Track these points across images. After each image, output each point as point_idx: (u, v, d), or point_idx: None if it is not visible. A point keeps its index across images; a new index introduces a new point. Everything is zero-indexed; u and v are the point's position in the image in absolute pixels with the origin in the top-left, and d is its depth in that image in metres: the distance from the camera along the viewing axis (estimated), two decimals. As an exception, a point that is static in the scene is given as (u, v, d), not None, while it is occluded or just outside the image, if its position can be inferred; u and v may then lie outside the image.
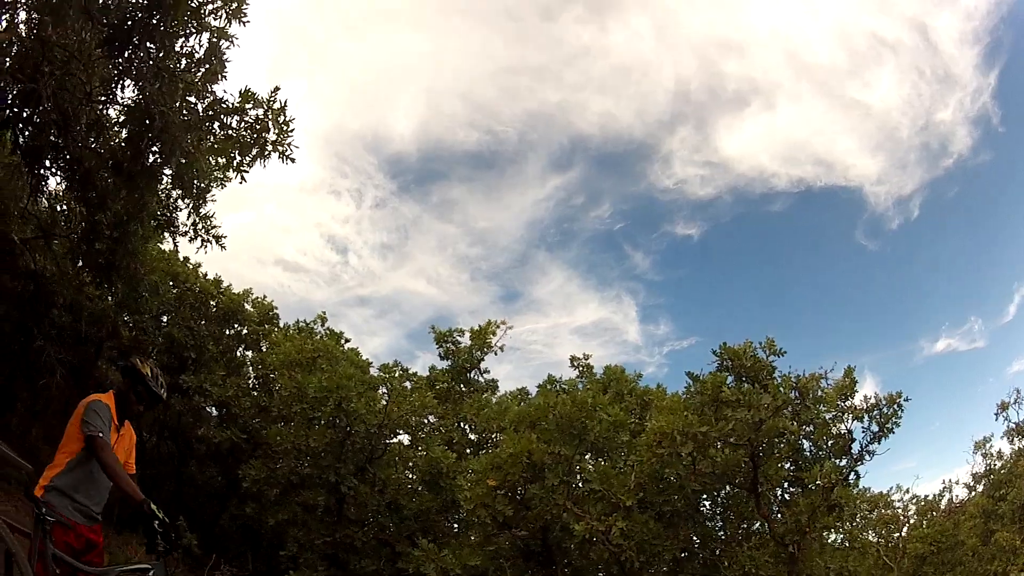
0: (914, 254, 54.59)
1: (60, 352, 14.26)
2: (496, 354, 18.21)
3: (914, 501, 26.31)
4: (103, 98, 12.45)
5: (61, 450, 5.58)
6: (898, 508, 25.99)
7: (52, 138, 12.64)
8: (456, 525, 15.70)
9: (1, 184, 13.97)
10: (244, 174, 13.27)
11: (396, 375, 15.92)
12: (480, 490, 11.90)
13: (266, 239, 53.65)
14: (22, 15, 11.58)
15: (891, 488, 26.00)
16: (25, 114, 12.68)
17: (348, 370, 14.37)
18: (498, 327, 18.13)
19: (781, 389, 11.98)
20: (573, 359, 18.30)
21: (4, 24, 10.98)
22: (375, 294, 62.37)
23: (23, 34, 11.37)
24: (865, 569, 13.23)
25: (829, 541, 13.27)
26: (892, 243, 52.66)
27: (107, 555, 6.52)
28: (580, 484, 12.50)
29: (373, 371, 16.10)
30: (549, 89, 64.03)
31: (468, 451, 16.07)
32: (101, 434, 5.35)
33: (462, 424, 17.02)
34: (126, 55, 11.45)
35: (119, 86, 12.21)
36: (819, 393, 12.20)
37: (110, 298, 15.53)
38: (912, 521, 25.66)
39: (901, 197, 51.79)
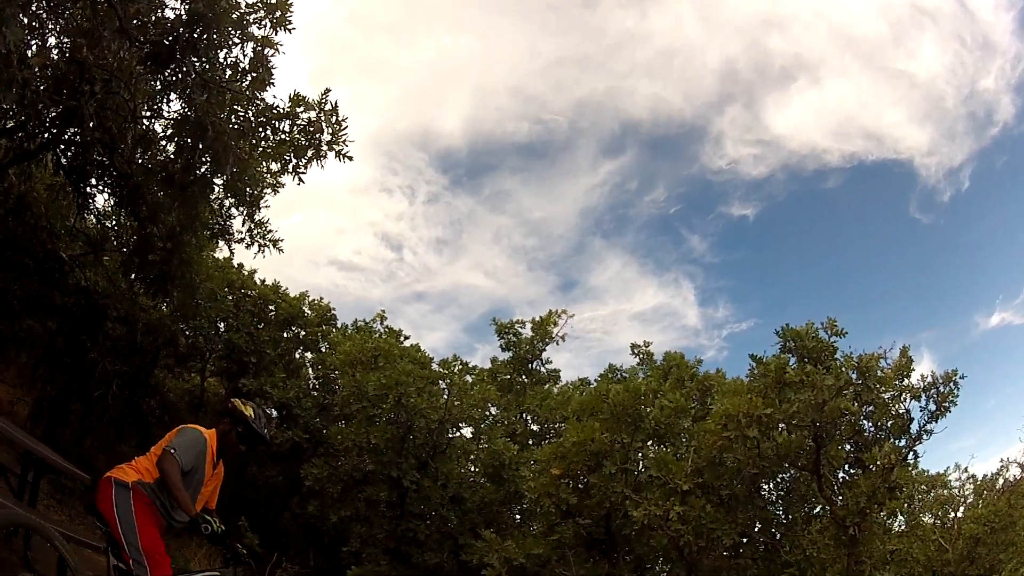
0: (967, 226, 52.58)
1: (115, 363, 14.22)
2: (557, 344, 18.33)
3: (971, 481, 25.88)
4: (148, 113, 12.44)
5: (151, 464, 5.56)
6: (955, 488, 25.56)
7: (97, 156, 12.79)
8: (518, 516, 15.91)
9: (46, 204, 14.12)
10: (301, 176, 13.20)
11: (456, 370, 16.04)
12: (544, 479, 12.06)
13: (320, 241, 54.16)
14: (52, 40, 11.74)
15: (948, 468, 25.58)
16: (67, 135, 12.62)
17: (407, 366, 14.60)
18: (559, 317, 18.31)
19: (843, 370, 11.80)
20: (633, 347, 18.44)
21: (35, 48, 11.09)
22: (432, 289, 61.99)
23: (56, 57, 11.54)
24: (922, 552, 13.06)
25: (888, 524, 12.98)
26: (945, 216, 51.21)
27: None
28: (639, 471, 12.54)
29: (434, 367, 16.24)
30: (596, 77, 63.35)
31: (530, 442, 16.11)
32: (174, 451, 5.41)
33: (524, 415, 17.11)
34: (170, 70, 11.30)
35: (164, 101, 12.17)
36: (879, 373, 11.93)
37: (165, 307, 15.43)
38: (968, 501, 25.23)
39: (951, 168, 50.54)
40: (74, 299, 14.42)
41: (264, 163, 13.42)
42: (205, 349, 17.71)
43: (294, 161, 13.13)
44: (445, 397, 14.95)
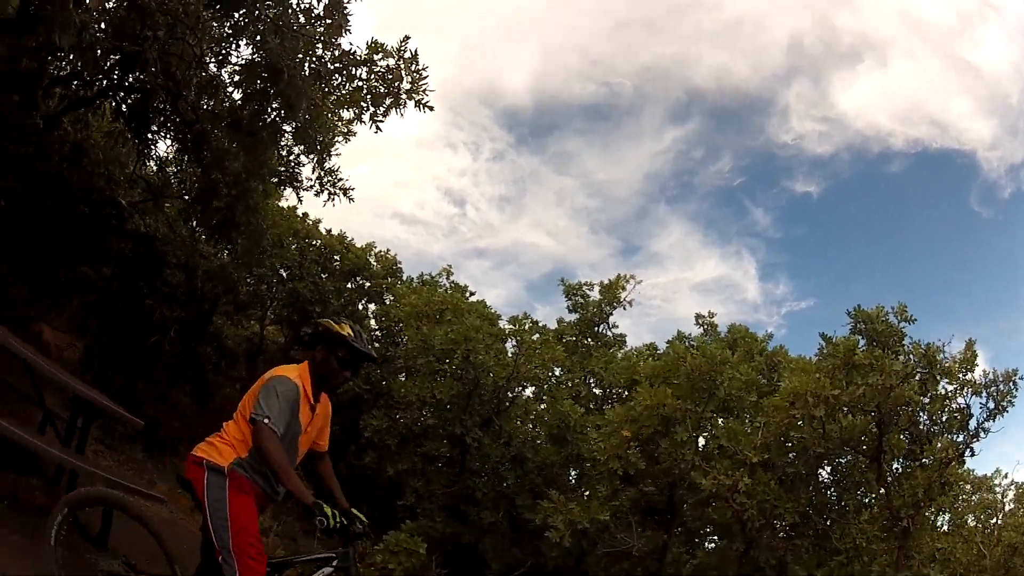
0: None
1: (173, 310, 14.12)
2: (624, 308, 18.08)
3: (1012, 487, 25.37)
4: (214, 59, 12.26)
5: (241, 432, 4.82)
6: (997, 493, 25.12)
7: (159, 103, 12.68)
8: (576, 479, 15.63)
9: (103, 151, 14.06)
10: (379, 124, 12.99)
11: (526, 327, 15.84)
12: (614, 441, 11.86)
13: (383, 193, 54.70)
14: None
15: (993, 472, 25.16)
16: (127, 81, 12.53)
17: (475, 322, 14.50)
18: (627, 281, 17.89)
19: (910, 357, 11.51)
20: (698, 317, 18.16)
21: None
22: (493, 246, 62.26)
23: (115, 3, 11.32)
24: (965, 553, 12.83)
25: (935, 521, 12.77)
26: (1005, 211, 50.18)
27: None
28: (709, 440, 12.50)
29: (502, 323, 16.11)
30: (663, 42, 63.34)
31: (592, 405, 15.72)
32: (267, 419, 4.57)
33: (589, 378, 16.81)
34: (239, 14, 11.08)
35: (233, 46, 11.96)
36: (944, 364, 11.59)
37: (226, 255, 15.30)
38: (1008, 508, 24.78)
39: (1013, 164, 49.55)
40: (131, 245, 14.30)
41: (337, 111, 13.11)
42: (266, 297, 17.73)
43: (371, 109, 12.82)
44: (512, 355, 14.84)
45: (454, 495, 14.51)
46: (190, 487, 4.78)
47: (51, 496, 8.08)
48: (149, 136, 13.49)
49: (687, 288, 53.45)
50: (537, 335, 16.18)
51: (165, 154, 14.54)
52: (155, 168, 14.95)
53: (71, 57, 11.57)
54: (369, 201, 52.28)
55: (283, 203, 17.24)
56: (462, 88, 62.55)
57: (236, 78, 12.29)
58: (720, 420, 12.77)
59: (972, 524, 21.67)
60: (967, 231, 53.05)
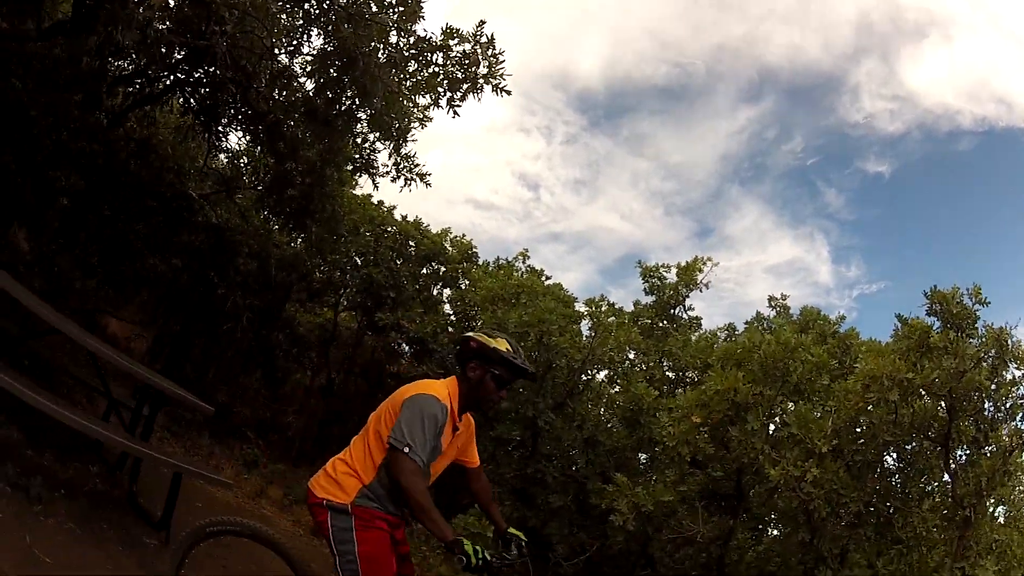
0: None
1: (246, 298, 14.34)
2: (701, 291, 17.84)
3: None
4: (285, 50, 12.41)
5: (368, 452, 4.53)
6: None
7: (229, 96, 12.97)
8: (645, 464, 15.62)
9: (172, 145, 14.48)
10: (456, 109, 13.17)
11: (602, 309, 15.76)
12: (685, 426, 11.81)
13: (457, 179, 55.32)
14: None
15: None
16: (195, 76, 12.95)
17: (549, 303, 14.39)
18: (704, 264, 17.63)
19: (983, 340, 11.29)
20: (771, 299, 17.94)
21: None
22: (568, 230, 62.38)
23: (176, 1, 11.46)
24: (1021, 546, 12.58)
25: (994, 512, 12.48)
26: None
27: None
28: (778, 427, 12.38)
29: (577, 306, 16.02)
30: (733, 21, 63.41)
31: (665, 388, 15.65)
32: (408, 448, 4.21)
33: (663, 361, 16.72)
34: (311, 4, 11.18)
35: (304, 36, 12.10)
36: (1014, 348, 11.39)
37: (300, 243, 15.51)
38: None
39: None
40: (203, 237, 14.67)
41: (413, 96, 13.21)
42: (340, 284, 17.97)
43: (448, 94, 12.99)
44: (587, 337, 14.80)
45: (524, 478, 14.48)
46: (318, 531, 4.76)
47: (110, 483, 8.41)
48: (219, 129, 13.73)
49: (760, 271, 52.98)
50: (612, 317, 16.09)
51: (236, 146, 14.78)
52: (226, 160, 15.16)
53: (134, 55, 11.77)
54: (443, 188, 53.14)
55: (358, 191, 17.53)
56: (534, 73, 62.90)
57: (309, 68, 12.45)
58: (791, 404, 12.57)
59: None
60: None
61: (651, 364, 16.46)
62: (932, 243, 55.21)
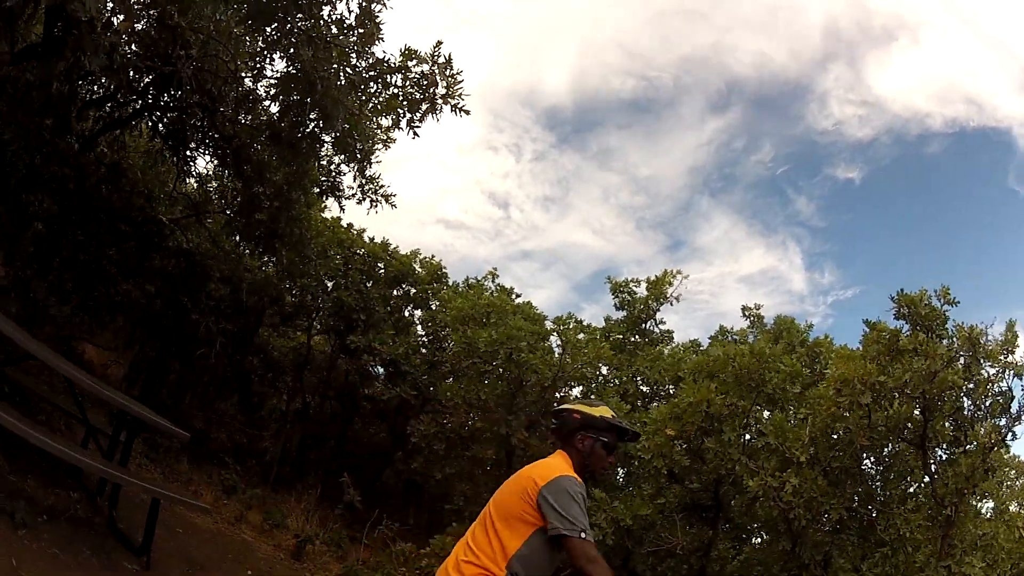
0: None
1: (219, 323, 14.24)
2: (672, 304, 17.70)
3: None
4: (249, 74, 12.33)
5: (499, 545, 4.03)
6: None
7: (196, 120, 12.81)
8: (621, 479, 15.36)
9: (142, 170, 14.26)
10: (416, 130, 12.96)
11: (570, 326, 15.60)
12: (658, 440, 11.59)
13: (426, 200, 55.35)
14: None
15: None
16: (163, 101, 12.80)
17: (519, 322, 14.19)
18: (674, 277, 17.53)
19: (954, 340, 11.19)
20: (745, 309, 17.79)
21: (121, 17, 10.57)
22: (539, 247, 62.83)
23: (145, 24, 11.30)
24: (1008, 539, 12.47)
25: (978, 508, 12.51)
26: None
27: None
28: (755, 437, 12.15)
29: (547, 324, 15.81)
30: (700, 31, 63.13)
31: (639, 403, 15.50)
32: (584, 533, 3.84)
33: (635, 376, 16.46)
34: (272, 28, 11.02)
35: (267, 60, 11.99)
36: (987, 347, 11.30)
37: (271, 267, 15.52)
38: None
39: None
40: (174, 262, 14.50)
41: (375, 118, 13.08)
42: (312, 307, 17.70)
43: (407, 115, 12.77)
44: (558, 354, 14.55)
45: (501, 496, 14.11)
46: None
47: (91, 509, 8.43)
48: (188, 153, 13.57)
49: (733, 281, 53.27)
50: (582, 334, 15.92)
51: (205, 170, 14.61)
52: (195, 184, 15.01)
53: (103, 79, 11.62)
54: (413, 209, 53.64)
55: (326, 214, 17.31)
56: (501, 90, 62.69)
57: (272, 91, 12.30)
58: (765, 414, 12.38)
59: (1015, 510, 21.30)
60: (1008, 211, 52.16)
61: (624, 379, 16.18)
62: (905, 246, 55.69)
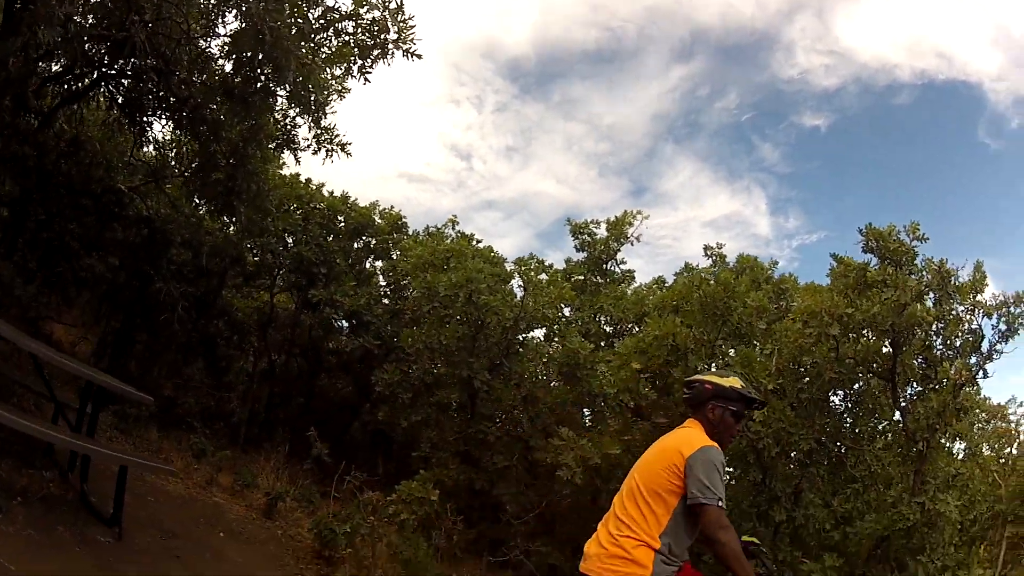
0: None
1: (180, 286, 14.01)
2: (632, 244, 17.56)
3: None
4: (202, 33, 12.10)
5: (652, 514, 4.16)
6: (1012, 423, 24.79)
7: (152, 85, 12.48)
8: (589, 419, 15.24)
9: (100, 142, 13.93)
10: (367, 76, 12.85)
11: (532, 267, 15.49)
12: (624, 374, 11.44)
13: (389, 154, 55.70)
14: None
15: (1008, 400, 24.74)
16: (117, 68, 12.46)
17: (478, 264, 13.91)
18: (634, 217, 17.48)
19: (924, 274, 11.17)
20: (707, 248, 17.53)
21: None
22: (502, 197, 62.83)
23: None
24: (982, 481, 12.56)
25: (951, 447, 12.50)
26: (1014, 143, 49.64)
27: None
28: (722, 369, 11.86)
29: (508, 267, 15.65)
30: None
31: (603, 343, 15.52)
32: (720, 502, 3.98)
33: (598, 316, 16.39)
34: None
35: (220, 18, 11.75)
36: (957, 283, 11.35)
37: (232, 228, 15.49)
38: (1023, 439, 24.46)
39: (1019, 97, 49.06)
40: (135, 231, 14.20)
41: (328, 68, 12.90)
42: (273, 265, 17.36)
43: (359, 62, 12.60)
44: (519, 296, 14.38)
45: (466, 440, 14.11)
46: None
47: (64, 487, 8.29)
48: (144, 120, 13.33)
49: (698, 226, 53.68)
50: (544, 275, 15.79)
51: (162, 135, 14.39)
52: (154, 152, 14.81)
53: (59, 53, 11.45)
54: (375, 165, 54.49)
55: (285, 171, 16.93)
56: (463, 43, 62.31)
57: (225, 49, 12.14)
58: (731, 351, 12.22)
59: (987, 453, 21.53)
60: (976, 163, 52.51)
61: (587, 319, 16.04)
62: (872, 193, 55.88)
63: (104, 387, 8.64)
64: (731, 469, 12.99)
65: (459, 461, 14.03)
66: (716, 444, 4.24)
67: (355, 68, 12.82)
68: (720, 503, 3.94)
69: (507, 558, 12.38)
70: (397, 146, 57.04)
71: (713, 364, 11.61)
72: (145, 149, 14.47)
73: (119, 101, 13.12)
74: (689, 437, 4.30)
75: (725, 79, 62.76)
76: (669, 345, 11.31)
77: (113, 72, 12.52)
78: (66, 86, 12.83)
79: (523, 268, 15.16)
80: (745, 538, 4.72)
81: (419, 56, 12.58)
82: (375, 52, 12.62)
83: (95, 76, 12.57)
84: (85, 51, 11.43)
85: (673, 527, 4.11)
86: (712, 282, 11.89)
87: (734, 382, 4.51)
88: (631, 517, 4.19)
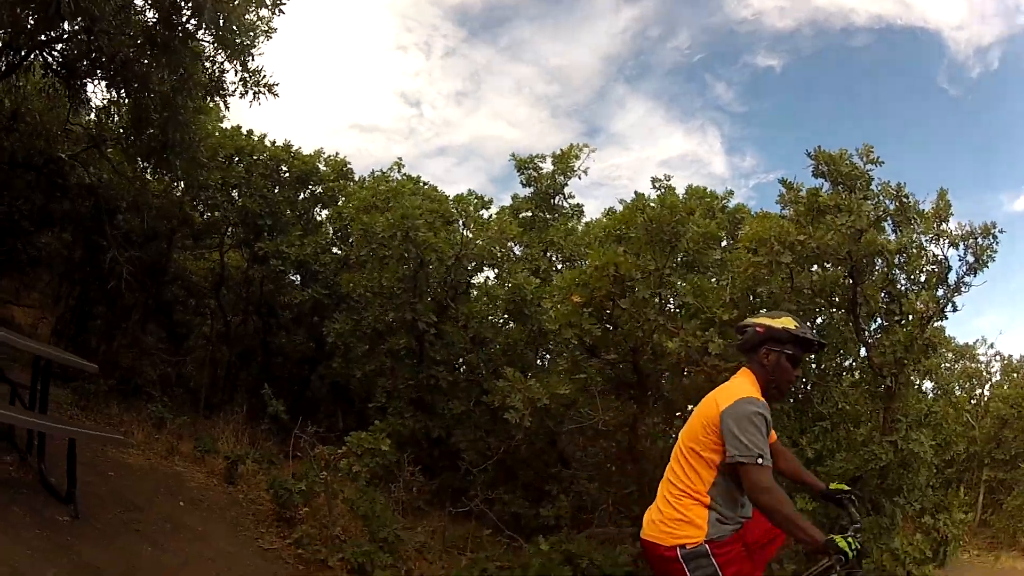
0: (995, 105, 50.36)
1: (127, 251, 13.68)
2: (580, 178, 17.10)
3: (997, 358, 24.77)
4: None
5: (696, 476, 4.09)
6: (982, 363, 24.65)
7: (83, 46, 12.16)
8: (544, 360, 14.88)
9: (40, 112, 13.78)
10: (281, 7, 12.51)
11: (473, 203, 14.97)
12: (566, 308, 10.85)
13: (340, 106, 55.03)
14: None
15: (976, 340, 24.54)
16: (48, 34, 12.30)
17: (415, 201, 13.35)
18: (580, 151, 16.86)
19: (880, 198, 10.71)
20: (654, 180, 16.32)
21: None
22: (453, 142, 61.84)
23: None
24: (957, 420, 12.26)
25: (921, 385, 12.14)
26: (973, 90, 49.15)
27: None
28: (672, 300, 11.50)
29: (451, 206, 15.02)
30: None
31: (554, 279, 15.11)
32: (761, 459, 3.85)
33: (548, 252, 15.93)
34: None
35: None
36: (919, 209, 10.86)
37: (178, 188, 15.47)
38: (995, 380, 24.35)
39: (980, 47, 48.46)
40: (82, 202, 14.08)
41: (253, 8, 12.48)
42: (221, 223, 16.89)
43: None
44: (461, 232, 13.93)
45: (418, 387, 13.73)
46: None
47: (23, 469, 8.20)
48: (79, 83, 13.00)
49: (653, 165, 54.02)
50: (485, 210, 15.44)
51: (96, 97, 14.00)
52: (94, 117, 14.44)
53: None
54: (325, 117, 53.29)
55: (226, 124, 16.46)
56: None
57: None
58: (682, 282, 11.74)
59: (959, 393, 21.37)
60: (936, 109, 51.92)
61: (536, 256, 15.53)
62: (829, 132, 55.10)
63: (46, 358, 8.48)
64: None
65: (414, 409, 13.71)
66: (757, 395, 4.11)
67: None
68: (760, 460, 3.83)
69: (468, 508, 12.01)
70: (347, 98, 57.22)
71: (661, 294, 11.01)
72: (85, 116, 14.11)
73: (53, 66, 12.73)
74: (729, 389, 4.19)
75: (676, 20, 61.85)
76: (612, 275, 10.60)
77: (44, 38, 12.16)
78: (6, 60, 12.49)
79: (462, 205, 14.61)
80: (834, 486, 4.69)
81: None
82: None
83: (30, 44, 12.21)
84: (16, 19, 10.95)
85: (722, 486, 4.03)
86: (657, 204, 11.27)
87: (787, 323, 4.35)
88: (679, 478, 4.14)
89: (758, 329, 4.36)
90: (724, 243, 13.21)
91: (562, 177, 17.01)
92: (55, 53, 12.61)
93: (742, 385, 4.20)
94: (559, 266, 15.76)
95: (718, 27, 56.33)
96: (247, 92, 13.33)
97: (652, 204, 11.45)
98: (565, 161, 16.80)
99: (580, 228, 16.24)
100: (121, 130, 13.74)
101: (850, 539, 3.81)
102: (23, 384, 8.79)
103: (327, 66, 61.79)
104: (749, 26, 53.50)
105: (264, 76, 13.28)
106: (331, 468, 10.56)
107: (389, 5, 57.67)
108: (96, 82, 12.96)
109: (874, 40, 49.28)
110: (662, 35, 60.13)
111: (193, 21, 11.52)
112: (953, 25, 52.32)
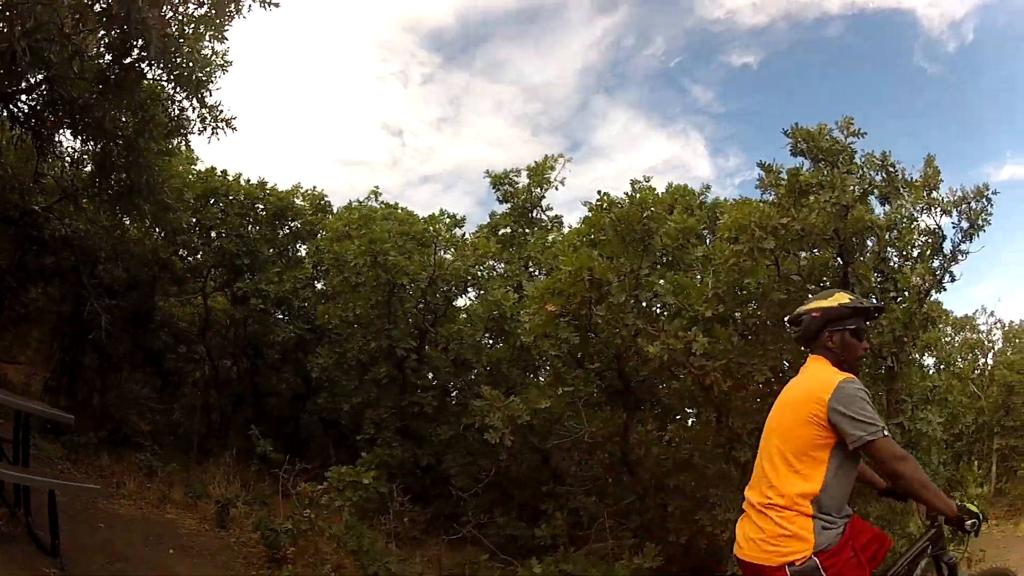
0: (973, 78, 50.95)
1: (108, 300, 13.77)
2: (557, 189, 16.96)
3: (998, 326, 24.49)
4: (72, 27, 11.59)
5: (798, 476, 3.79)
6: (983, 333, 24.40)
7: (45, 95, 12.16)
8: (530, 375, 14.37)
9: (12, 166, 13.51)
10: (224, 35, 12.29)
11: (444, 222, 14.85)
12: (540, 318, 10.43)
13: (321, 142, 55.69)
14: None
15: (976, 311, 24.27)
16: (13, 88, 12.10)
17: (384, 225, 13.23)
18: (556, 161, 16.82)
19: (865, 170, 10.39)
20: (633, 183, 15.83)
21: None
22: (438, 169, 63.79)
23: None
24: (963, 391, 11.89)
25: (922, 361, 11.77)
26: (951, 66, 49.36)
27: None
28: (651, 301, 10.99)
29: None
30: None
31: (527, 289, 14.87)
32: (885, 431, 3.65)
33: (528, 266, 15.66)
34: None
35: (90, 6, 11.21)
36: (907, 178, 10.50)
37: (157, 234, 15.16)
38: (998, 347, 24.09)
39: (954, 21, 48.90)
40: (60, 257, 13.92)
41: (196, 35, 12.30)
42: (201, 266, 16.72)
43: (217, 21, 12.02)
44: (435, 253, 13.66)
45: (403, 415, 13.47)
46: None
47: (12, 523, 8.02)
48: (45, 132, 12.87)
49: (637, 174, 53.26)
50: (458, 228, 15.33)
51: (67, 148, 13.94)
52: (66, 167, 14.34)
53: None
54: (309, 153, 57.17)
55: (200, 166, 16.36)
56: (383, 20, 63.63)
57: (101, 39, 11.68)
58: (661, 281, 11.30)
59: (962, 364, 21.07)
60: (915, 88, 52.39)
61: (517, 271, 15.25)
62: (811, 122, 55.35)
63: (25, 411, 8.31)
64: (691, 410, 12.26)
65: (402, 438, 13.45)
66: (848, 374, 3.86)
67: (211, 26, 12.20)
68: (885, 431, 3.63)
69: (461, 535, 11.68)
70: (329, 132, 59.22)
71: (639, 296, 10.54)
72: (56, 167, 13.99)
73: (19, 117, 12.48)
74: (820, 379, 3.89)
75: (650, 26, 62.89)
76: (587, 280, 10.08)
77: (10, 91, 11.99)
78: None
79: (433, 224, 14.41)
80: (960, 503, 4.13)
81: (276, 5, 11.94)
82: (230, 7, 11.94)
83: (-4, 96, 12.13)
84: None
85: (831, 485, 3.75)
86: (625, 202, 10.91)
87: (841, 298, 4.13)
88: (777, 488, 3.82)
89: (814, 315, 4.12)
90: (708, 240, 12.98)
91: (538, 189, 16.88)
92: (19, 104, 12.38)
93: (828, 370, 3.93)
94: (540, 277, 15.52)
95: (692, 29, 57.10)
96: (205, 128, 13.18)
97: (618, 203, 11.01)
98: (540, 173, 16.69)
99: (558, 238, 15.92)
100: (88, 178, 13.63)
101: (974, 506, 3.80)
102: (7, 439, 8.58)
103: (307, 102, 63.21)
104: (723, 25, 54.23)
105: (222, 111, 13.10)
106: (314, 505, 10.33)
107: (364, 35, 58.41)
108: (62, 131, 12.88)
109: (849, 27, 50.05)
110: (637, 43, 60.97)
111: (144, 55, 11.36)
112: (925, 2, 52.60)
